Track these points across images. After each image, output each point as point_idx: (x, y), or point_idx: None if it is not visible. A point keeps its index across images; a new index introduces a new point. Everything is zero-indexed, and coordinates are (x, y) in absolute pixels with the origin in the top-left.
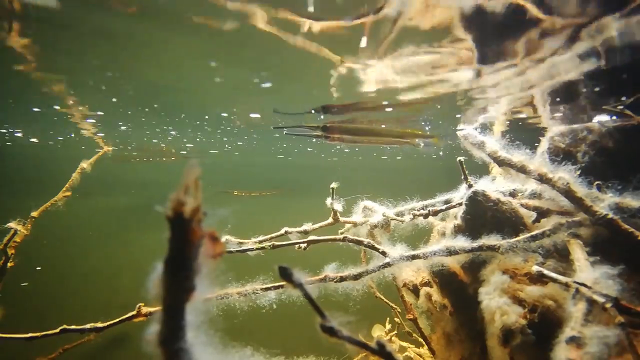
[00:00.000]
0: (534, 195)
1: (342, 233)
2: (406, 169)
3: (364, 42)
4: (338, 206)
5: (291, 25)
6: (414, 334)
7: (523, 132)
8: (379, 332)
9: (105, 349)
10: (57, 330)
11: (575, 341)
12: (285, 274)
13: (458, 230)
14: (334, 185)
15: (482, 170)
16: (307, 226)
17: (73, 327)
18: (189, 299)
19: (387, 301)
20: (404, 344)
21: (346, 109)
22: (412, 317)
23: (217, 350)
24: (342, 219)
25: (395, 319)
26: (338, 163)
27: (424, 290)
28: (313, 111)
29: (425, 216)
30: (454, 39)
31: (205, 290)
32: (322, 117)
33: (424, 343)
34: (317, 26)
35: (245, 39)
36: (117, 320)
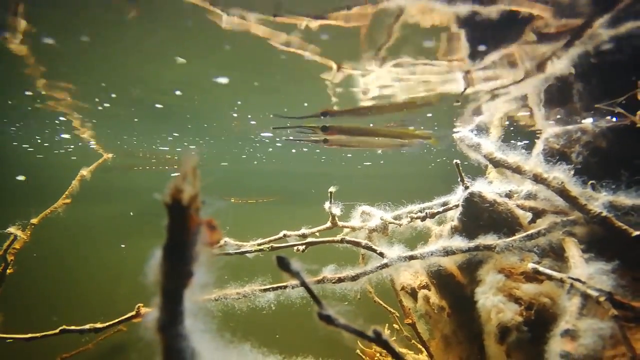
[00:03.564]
0: (530, 196)
1: None
2: (403, 175)
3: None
4: (336, 210)
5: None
6: (413, 340)
7: (520, 136)
8: None
9: (103, 358)
10: (57, 330)
11: (570, 334)
12: (283, 264)
13: (455, 231)
14: (332, 189)
15: (479, 173)
16: (306, 230)
17: (72, 327)
18: (187, 285)
19: (386, 306)
20: (403, 350)
21: (347, 113)
22: (410, 321)
23: (215, 338)
24: (340, 223)
25: (394, 324)
26: (336, 171)
27: (421, 292)
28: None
29: (423, 219)
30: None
31: (203, 278)
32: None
33: (422, 349)
34: (314, 24)
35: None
36: (116, 320)
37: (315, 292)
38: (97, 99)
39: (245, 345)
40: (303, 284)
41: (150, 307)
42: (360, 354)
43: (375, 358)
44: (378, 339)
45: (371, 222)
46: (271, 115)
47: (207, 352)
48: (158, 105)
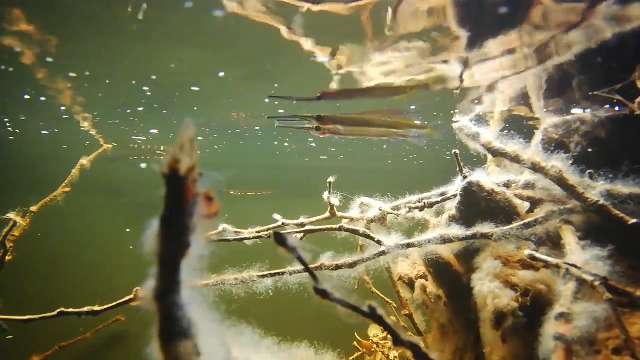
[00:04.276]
0: (528, 185)
1: None
2: (401, 170)
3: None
4: (335, 200)
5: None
6: (410, 332)
7: (521, 128)
8: (375, 331)
9: (102, 349)
10: (55, 312)
11: (564, 317)
12: (279, 240)
13: (452, 220)
14: (331, 179)
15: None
16: (304, 219)
17: (70, 310)
18: (184, 255)
19: (383, 297)
20: None
21: (342, 95)
22: (407, 312)
23: (212, 310)
24: (339, 213)
25: (392, 316)
26: (335, 165)
27: (419, 282)
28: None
29: (421, 209)
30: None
31: (200, 249)
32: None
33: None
34: (315, 9)
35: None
36: (115, 303)
37: (310, 268)
38: (134, 81)
39: (243, 325)
40: (299, 259)
41: None
42: (357, 346)
43: (373, 349)
44: (372, 314)
45: (370, 213)
46: (266, 99)
47: (203, 323)
48: (194, 88)
